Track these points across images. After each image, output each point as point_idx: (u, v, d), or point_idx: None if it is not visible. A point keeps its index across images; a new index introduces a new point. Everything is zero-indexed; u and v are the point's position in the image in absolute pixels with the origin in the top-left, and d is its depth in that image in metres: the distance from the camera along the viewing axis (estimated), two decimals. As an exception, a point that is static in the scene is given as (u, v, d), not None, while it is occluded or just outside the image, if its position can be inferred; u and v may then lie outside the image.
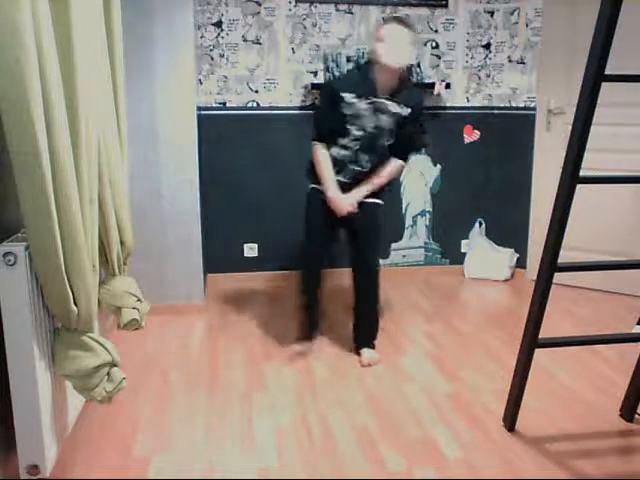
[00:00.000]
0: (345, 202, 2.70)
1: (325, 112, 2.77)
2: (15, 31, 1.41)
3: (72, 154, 1.70)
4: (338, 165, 2.73)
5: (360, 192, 2.73)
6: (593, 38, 1.81)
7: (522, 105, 4.03)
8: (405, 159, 2.82)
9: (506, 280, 4.06)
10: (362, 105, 2.64)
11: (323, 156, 2.73)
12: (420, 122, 2.78)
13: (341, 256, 2.87)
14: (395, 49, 2.57)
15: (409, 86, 2.83)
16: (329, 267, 2.94)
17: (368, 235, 2.81)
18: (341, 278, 2.91)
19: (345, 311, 2.94)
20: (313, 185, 2.81)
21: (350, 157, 2.71)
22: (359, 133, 2.68)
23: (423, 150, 2.82)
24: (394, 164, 2.78)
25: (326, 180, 2.73)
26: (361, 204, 2.75)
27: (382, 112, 2.66)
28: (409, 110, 2.69)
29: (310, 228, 2.85)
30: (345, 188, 2.73)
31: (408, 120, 2.71)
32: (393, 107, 2.67)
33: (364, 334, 2.91)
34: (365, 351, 2.85)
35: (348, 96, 2.64)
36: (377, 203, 2.81)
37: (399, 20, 2.65)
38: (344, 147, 2.71)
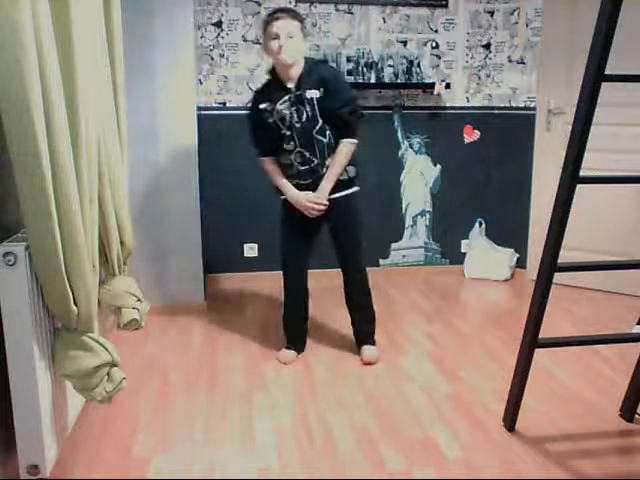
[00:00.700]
0: (306, 198, 2.67)
1: (254, 130, 2.77)
2: (15, 31, 1.41)
3: (72, 154, 1.70)
4: (291, 170, 2.71)
5: (323, 190, 2.68)
6: (593, 38, 1.81)
7: (522, 105, 4.02)
8: (350, 135, 2.68)
9: (506, 280, 4.06)
10: (280, 106, 2.63)
11: (269, 166, 2.76)
12: (341, 94, 2.66)
13: (330, 256, 2.87)
14: (287, 44, 2.54)
15: (315, 67, 2.71)
16: (318, 268, 2.94)
17: (346, 231, 2.80)
18: (334, 278, 2.92)
19: (343, 311, 2.94)
20: (282, 196, 2.80)
21: (296, 159, 2.68)
22: (290, 132, 2.65)
23: (361, 117, 2.72)
24: (342, 146, 2.67)
25: (281, 185, 2.74)
26: (331, 201, 2.71)
27: (300, 103, 2.62)
28: (322, 89, 2.62)
29: (285, 238, 2.86)
30: (310, 188, 2.70)
31: (326, 97, 2.62)
32: (308, 93, 2.62)
33: (361, 331, 2.92)
34: (365, 348, 2.85)
35: (264, 105, 2.66)
36: (347, 195, 2.75)
37: (285, 12, 2.59)
38: (287, 152, 2.69)
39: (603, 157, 3.42)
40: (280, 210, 2.84)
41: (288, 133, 2.65)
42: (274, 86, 2.67)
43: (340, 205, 2.73)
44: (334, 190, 2.71)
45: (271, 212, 3.88)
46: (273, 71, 2.69)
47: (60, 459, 1.98)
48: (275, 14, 2.58)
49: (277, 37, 2.54)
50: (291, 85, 2.62)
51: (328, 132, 2.66)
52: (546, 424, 2.29)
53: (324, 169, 2.68)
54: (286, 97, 2.63)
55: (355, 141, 2.70)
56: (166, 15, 3.15)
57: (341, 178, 2.71)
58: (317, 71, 2.68)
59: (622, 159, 3.53)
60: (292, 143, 2.66)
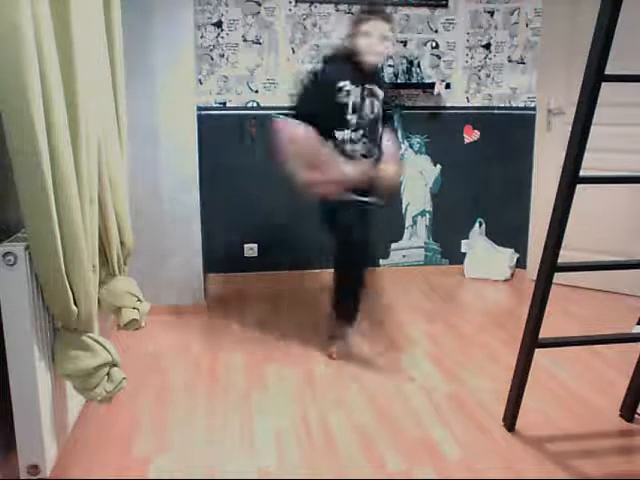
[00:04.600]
0: (362, 165, 2.67)
1: (317, 100, 2.62)
2: (15, 31, 1.41)
3: (72, 154, 1.70)
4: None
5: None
6: (593, 38, 1.81)
7: (522, 105, 4.02)
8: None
9: (506, 280, 4.06)
10: (358, 92, 2.66)
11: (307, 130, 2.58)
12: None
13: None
14: (377, 45, 2.61)
15: (379, 68, 2.92)
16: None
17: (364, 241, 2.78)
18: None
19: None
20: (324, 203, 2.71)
21: (361, 149, 2.69)
22: (360, 121, 2.67)
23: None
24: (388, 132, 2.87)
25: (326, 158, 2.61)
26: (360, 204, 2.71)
27: (374, 97, 2.70)
28: (384, 91, 2.79)
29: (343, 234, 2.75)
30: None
31: (385, 97, 2.80)
32: (379, 91, 2.74)
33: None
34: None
35: (346, 84, 2.63)
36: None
37: (379, 14, 2.67)
38: (344, 141, 2.66)
39: (603, 157, 3.42)
40: (322, 215, 2.78)
41: (357, 121, 2.67)
42: (355, 70, 2.67)
43: (367, 212, 2.77)
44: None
45: (271, 212, 3.91)
46: (350, 55, 2.68)
47: (60, 459, 1.97)
48: (370, 12, 2.66)
49: (368, 35, 2.60)
50: (369, 78, 2.69)
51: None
52: (546, 424, 2.29)
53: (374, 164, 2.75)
54: (365, 87, 2.67)
55: None
56: (166, 15, 3.15)
57: None
58: (380, 73, 2.94)
59: (622, 159, 3.53)
60: (356, 132, 2.67)
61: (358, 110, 2.66)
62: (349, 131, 2.67)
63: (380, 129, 2.78)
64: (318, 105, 2.63)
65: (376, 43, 2.60)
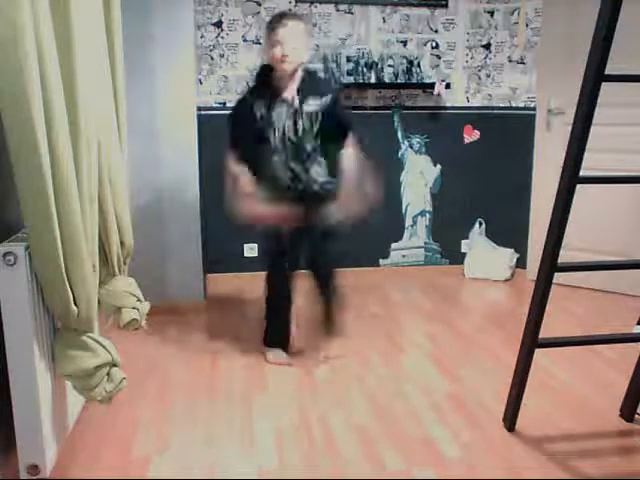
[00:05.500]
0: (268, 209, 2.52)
1: (237, 131, 2.59)
2: (15, 31, 1.41)
3: (72, 154, 1.70)
4: (279, 182, 2.55)
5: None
6: (593, 38, 1.81)
7: (522, 105, 4.03)
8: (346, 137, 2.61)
9: (506, 280, 4.06)
10: (274, 114, 2.51)
11: (237, 170, 2.55)
12: (340, 118, 2.61)
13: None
14: (291, 52, 2.46)
15: (316, 77, 2.67)
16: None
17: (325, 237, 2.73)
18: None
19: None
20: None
21: (286, 172, 2.54)
22: (282, 145, 2.52)
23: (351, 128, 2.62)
24: (348, 151, 2.58)
25: (250, 195, 2.54)
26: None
27: (297, 116, 2.52)
28: (328, 99, 2.56)
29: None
30: (300, 200, 2.56)
31: (331, 108, 2.56)
32: (309, 106, 2.53)
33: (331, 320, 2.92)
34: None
35: (259, 110, 2.52)
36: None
37: (289, 17, 2.53)
38: (275, 165, 2.54)
39: (603, 157, 3.42)
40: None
41: (280, 145, 2.53)
42: (270, 92, 2.55)
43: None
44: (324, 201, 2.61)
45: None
46: (267, 75, 2.58)
47: (60, 459, 1.98)
48: (279, 19, 2.50)
49: (281, 43, 2.45)
50: (287, 95, 2.54)
51: (321, 147, 2.58)
52: (546, 424, 2.29)
53: (316, 185, 2.59)
54: (284, 106, 2.53)
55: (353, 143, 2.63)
56: (166, 15, 3.16)
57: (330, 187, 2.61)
58: (322, 81, 2.69)
59: (622, 159, 3.53)
60: (283, 156, 2.54)
61: (276, 133, 2.51)
62: (275, 156, 2.53)
63: (310, 149, 2.55)
64: (243, 137, 2.57)
65: (288, 51, 2.45)
